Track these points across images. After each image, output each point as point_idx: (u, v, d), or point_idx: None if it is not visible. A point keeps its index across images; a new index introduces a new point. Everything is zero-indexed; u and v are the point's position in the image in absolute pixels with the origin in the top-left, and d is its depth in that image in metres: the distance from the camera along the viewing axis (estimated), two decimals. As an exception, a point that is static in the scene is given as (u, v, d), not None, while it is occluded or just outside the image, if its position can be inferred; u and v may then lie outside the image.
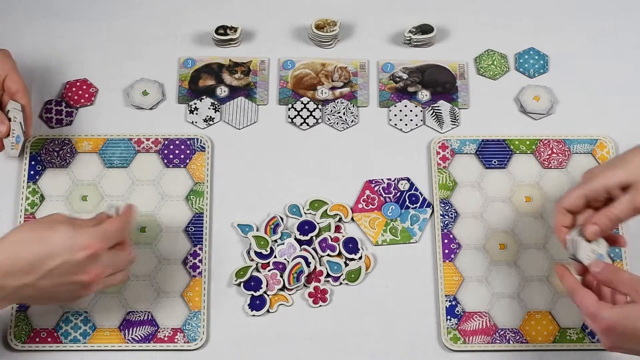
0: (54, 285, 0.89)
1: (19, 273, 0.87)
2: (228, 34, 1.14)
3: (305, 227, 1.04)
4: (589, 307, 0.88)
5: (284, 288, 1.03)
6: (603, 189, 0.92)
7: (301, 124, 1.11)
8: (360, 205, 1.06)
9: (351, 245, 1.04)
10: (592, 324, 0.88)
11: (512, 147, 1.09)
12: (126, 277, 0.95)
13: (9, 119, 1.01)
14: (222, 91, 1.12)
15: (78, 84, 1.12)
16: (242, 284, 1.02)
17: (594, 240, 0.92)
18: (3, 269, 0.86)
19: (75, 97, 1.11)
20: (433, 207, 1.06)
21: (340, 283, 1.03)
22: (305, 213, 1.06)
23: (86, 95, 1.11)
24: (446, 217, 1.06)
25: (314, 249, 1.04)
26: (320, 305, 1.02)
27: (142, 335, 1.00)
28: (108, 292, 1.02)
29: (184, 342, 1.00)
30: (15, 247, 0.87)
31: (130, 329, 1.00)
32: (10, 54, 1.05)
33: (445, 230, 1.05)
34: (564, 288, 0.92)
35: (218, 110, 1.11)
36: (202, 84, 1.13)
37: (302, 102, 1.11)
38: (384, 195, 1.07)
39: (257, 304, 1.02)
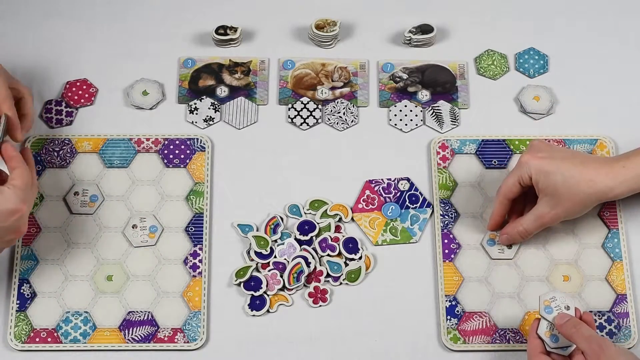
0: None
1: None
2: (228, 34, 1.14)
3: (305, 227, 1.04)
4: None
5: (284, 288, 1.03)
6: (529, 179, 0.98)
7: (301, 124, 1.11)
8: (360, 205, 1.06)
9: (351, 245, 1.04)
10: None
11: (512, 147, 1.09)
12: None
13: None
14: (222, 91, 1.12)
15: (78, 84, 1.12)
16: (242, 284, 1.02)
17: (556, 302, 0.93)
18: None
19: (75, 97, 1.11)
20: (433, 207, 1.06)
21: (340, 283, 1.03)
22: (305, 213, 1.06)
23: (86, 95, 1.11)
24: (446, 217, 1.06)
25: (314, 249, 1.04)
26: (320, 305, 1.02)
27: (142, 335, 1.00)
28: (107, 292, 1.02)
29: (184, 342, 1.00)
30: None
31: (130, 329, 1.00)
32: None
33: (445, 230, 1.05)
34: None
35: (218, 110, 1.11)
36: (202, 84, 1.13)
37: (302, 102, 1.11)
38: (384, 195, 1.07)
39: (257, 304, 1.02)
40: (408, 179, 1.08)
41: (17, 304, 1.01)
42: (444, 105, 1.12)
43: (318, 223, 1.05)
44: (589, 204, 0.98)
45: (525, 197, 1.02)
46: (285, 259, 1.03)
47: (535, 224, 0.99)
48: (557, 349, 0.92)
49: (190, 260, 1.03)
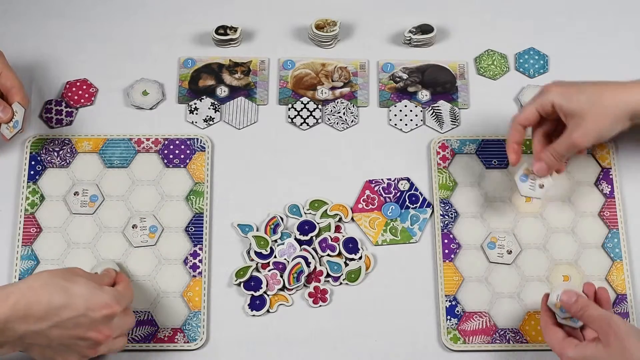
0: (62, 337, 0.88)
1: (32, 318, 0.86)
2: (228, 34, 1.14)
3: (305, 227, 1.04)
4: (555, 346, 0.91)
5: (284, 288, 1.03)
6: (550, 106, 0.96)
7: (301, 124, 1.11)
8: (360, 205, 1.06)
9: (351, 245, 1.04)
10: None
11: (512, 147, 1.09)
12: (125, 342, 0.95)
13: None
14: (222, 91, 1.12)
15: (78, 84, 1.12)
16: (242, 284, 1.02)
17: (541, 180, 0.96)
18: (19, 312, 0.85)
19: (75, 97, 1.11)
20: (433, 207, 1.06)
21: (340, 283, 1.03)
22: (305, 213, 1.06)
23: (86, 95, 1.11)
24: (446, 217, 1.06)
25: (314, 249, 1.04)
26: (320, 305, 1.02)
27: (142, 335, 1.00)
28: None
29: (184, 342, 1.00)
30: (34, 292, 0.86)
31: (130, 329, 1.00)
32: (1, 53, 1.05)
33: (445, 230, 1.05)
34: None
35: (218, 110, 1.11)
36: (202, 84, 1.13)
37: (302, 102, 1.11)
38: (384, 195, 1.07)
39: (257, 304, 1.02)
40: (408, 179, 1.08)
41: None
42: (444, 105, 1.12)
43: (318, 223, 1.05)
44: (616, 117, 0.96)
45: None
46: (285, 259, 1.03)
47: (567, 145, 0.96)
48: (567, 319, 0.92)
49: (190, 260, 1.03)
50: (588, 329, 0.92)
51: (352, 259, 1.04)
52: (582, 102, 0.95)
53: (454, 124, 1.11)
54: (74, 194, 1.05)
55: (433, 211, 1.06)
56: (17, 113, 1.03)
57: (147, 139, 1.08)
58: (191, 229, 1.05)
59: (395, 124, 1.11)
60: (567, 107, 0.95)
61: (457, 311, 1.01)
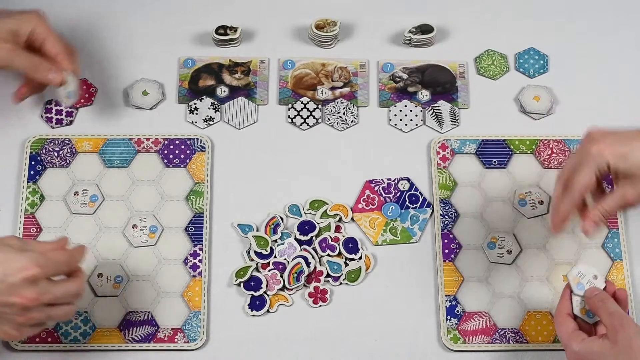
0: None
1: None
2: (228, 34, 1.14)
3: (305, 227, 1.04)
4: (563, 336, 0.90)
5: (284, 288, 1.03)
6: (606, 168, 0.90)
7: (301, 124, 1.11)
8: (360, 205, 1.06)
9: (351, 245, 1.04)
10: (565, 351, 0.90)
11: (512, 147, 1.09)
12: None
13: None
14: (222, 91, 1.12)
15: (78, 84, 1.12)
16: (242, 284, 1.02)
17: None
18: None
19: (75, 97, 1.11)
20: (433, 207, 1.06)
21: (340, 283, 1.03)
22: (305, 213, 1.06)
23: (86, 95, 1.11)
24: (446, 217, 1.06)
25: (314, 249, 1.04)
26: (320, 305, 1.02)
27: (142, 335, 1.00)
28: (106, 294, 1.02)
29: (184, 342, 1.00)
30: None
31: (130, 329, 1.00)
32: (45, 16, 1.02)
33: (445, 230, 1.05)
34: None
35: (218, 110, 1.11)
36: (202, 84, 1.13)
37: (302, 102, 1.11)
38: (384, 195, 1.07)
39: (257, 304, 1.02)
40: (408, 179, 1.08)
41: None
42: (444, 105, 1.12)
43: (318, 223, 1.05)
44: None
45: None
46: (285, 259, 1.03)
47: (619, 204, 0.93)
48: (583, 310, 0.92)
49: (190, 260, 1.03)
50: (600, 326, 0.91)
51: (352, 259, 1.04)
52: (638, 161, 0.91)
53: (454, 124, 1.11)
54: (74, 194, 1.05)
55: (433, 211, 1.06)
56: (69, 83, 1.01)
57: (147, 139, 1.08)
58: (191, 229, 1.05)
59: (395, 124, 1.11)
60: (623, 167, 0.91)
61: (457, 311, 1.01)
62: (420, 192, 1.07)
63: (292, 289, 1.03)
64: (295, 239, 1.04)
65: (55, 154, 1.07)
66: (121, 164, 1.07)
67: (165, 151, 1.08)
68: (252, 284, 1.02)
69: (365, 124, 1.11)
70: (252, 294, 1.02)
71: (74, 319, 1.00)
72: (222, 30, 1.14)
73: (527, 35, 1.16)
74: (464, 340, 1.00)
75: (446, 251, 1.04)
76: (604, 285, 0.91)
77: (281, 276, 1.02)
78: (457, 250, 1.04)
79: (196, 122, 1.10)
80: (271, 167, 1.08)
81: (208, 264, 1.03)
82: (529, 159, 1.08)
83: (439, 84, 1.13)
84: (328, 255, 1.04)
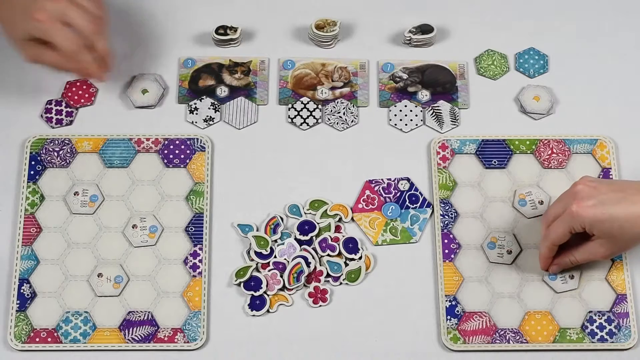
0: None
1: None
2: (228, 34, 1.14)
3: (305, 227, 1.04)
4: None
5: (284, 288, 1.03)
6: (581, 228, 0.96)
7: (301, 124, 1.11)
8: (360, 205, 1.06)
9: (351, 245, 1.04)
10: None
11: (512, 147, 1.09)
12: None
13: None
14: (222, 91, 1.12)
15: (78, 84, 1.12)
16: (242, 284, 1.02)
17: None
18: None
19: (75, 97, 1.11)
20: (433, 207, 1.06)
21: (340, 283, 1.03)
22: (305, 213, 1.06)
23: (86, 95, 1.11)
24: (446, 217, 1.06)
25: (314, 249, 1.04)
26: (320, 305, 1.02)
27: (142, 335, 1.00)
28: (106, 295, 1.02)
29: (184, 342, 1.00)
30: None
31: (130, 329, 1.00)
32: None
33: (445, 230, 1.05)
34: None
35: (218, 110, 1.11)
36: (202, 84, 1.13)
37: (302, 102, 1.11)
38: (384, 195, 1.07)
39: (257, 304, 1.02)
40: (408, 179, 1.08)
41: (17, 304, 1.01)
42: (444, 105, 1.12)
43: (318, 223, 1.05)
44: None
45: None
46: (285, 259, 1.03)
47: (587, 259, 0.99)
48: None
49: (190, 260, 1.03)
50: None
51: (352, 259, 1.04)
52: (614, 230, 0.95)
53: (454, 124, 1.11)
54: (74, 194, 1.05)
55: (433, 211, 1.06)
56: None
57: (147, 139, 1.09)
58: (191, 229, 1.05)
59: (395, 124, 1.11)
60: (598, 232, 0.95)
61: (457, 311, 1.01)
62: (420, 192, 1.07)
63: (292, 289, 1.03)
64: (295, 239, 1.04)
65: (55, 154, 1.07)
66: (121, 164, 1.07)
67: (165, 151, 1.08)
68: (252, 284, 1.02)
69: (365, 124, 1.11)
70: (252, 294, 1.02)
71: (73, 319, 1.00)
72: (222, 30, 1.14)
73: (527, 35, 1.16)
74: (464, 340, 1.00)
75: (446, 251, 1.04)
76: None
77: (281, 276, 1.02)
78: (457, 250, 1.04)
79: (196, 122, 1.10)
80: (271, 167, 1.08)
81: (208, 264, 1.03)
82: (529, 159, 1.08)
83: (439, 84, 1.13)
84: (328, 255, 1.04)
